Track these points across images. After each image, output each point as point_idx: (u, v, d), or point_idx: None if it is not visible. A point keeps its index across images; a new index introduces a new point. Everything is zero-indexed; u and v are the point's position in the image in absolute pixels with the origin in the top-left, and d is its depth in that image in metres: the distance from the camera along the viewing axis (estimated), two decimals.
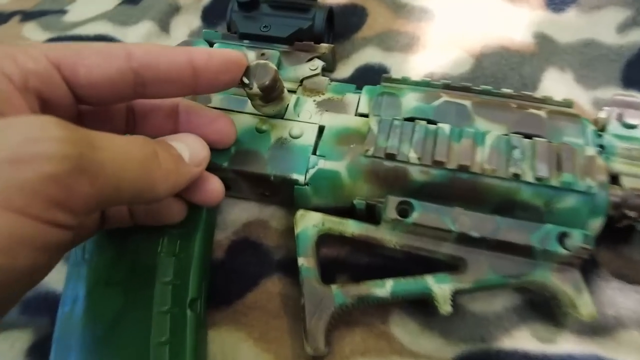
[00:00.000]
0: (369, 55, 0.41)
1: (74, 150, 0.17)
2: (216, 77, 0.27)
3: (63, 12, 0.51)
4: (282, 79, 0.35)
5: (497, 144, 0.30)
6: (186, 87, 0.26)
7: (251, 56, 0.38)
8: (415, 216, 0.29)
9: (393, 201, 0.29)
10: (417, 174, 0.30)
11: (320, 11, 0.39)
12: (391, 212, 0.29)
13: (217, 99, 0.36)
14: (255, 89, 0.30)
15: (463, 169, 0.29)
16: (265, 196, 0.35)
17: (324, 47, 0.38)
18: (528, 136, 0.30)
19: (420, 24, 0.42)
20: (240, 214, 0.36)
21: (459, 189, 0.30)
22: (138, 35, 0.45)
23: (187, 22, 0.46)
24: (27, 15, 0.52)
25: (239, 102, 0.35)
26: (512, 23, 0.41)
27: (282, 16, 0.39)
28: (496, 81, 0.39)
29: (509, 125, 0.31)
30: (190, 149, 0.26)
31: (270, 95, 0.31)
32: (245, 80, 0.30)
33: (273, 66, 0.30)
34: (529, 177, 0.28)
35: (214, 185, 0.28)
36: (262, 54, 0.38)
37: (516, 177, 0.29)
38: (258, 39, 0.39)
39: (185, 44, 0.40)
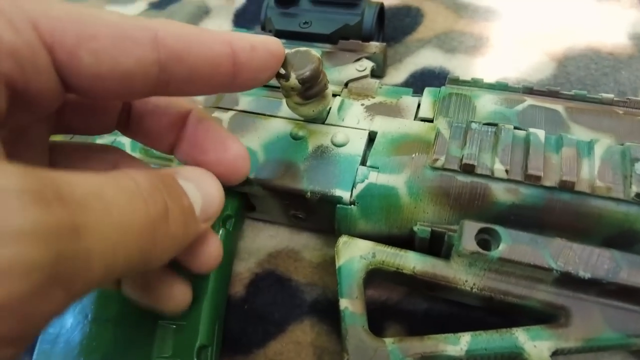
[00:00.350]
0: (427, 58, 0.35)
1: (48, 252, 0.11)
2: (256, 75, 0.20)
3: None
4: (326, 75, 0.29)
5: (611, 156, 0.22)
6: (220, 86, 0.20)
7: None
8: (502, 249, 0.21)
9: (471, 228, 0.22)
10: (502, 193, 0.23)
11: (371, 6, 0.34)
12: (469, 243, 0.22)
13: (245, 100, 0.30)
14: (294, 80, 0.24)
15: (565, 186, 0.22)
16: (299, 219, 0.28)
17: (374, 45, 0.32)
18: None
19: (487, 23, 0.35)
20: (267, 241, 0.30)
21: (560, 214, 0.22)
22: None
23: (217, 26, 0.41)
24: None
25: (271, 104, 0.29)
26: (601, 22, 0.34)
27: (325, 12, 0.34)
28: (585, 88, 0.32)
29: (617, 135, 0.24)
30: (203, 197, 0.19)
31: (311, 91, 0.25)
32: (282, 71, 0.24)
33: (315, 54, 0.24)
34: None
35: (213, 250, 0.21)
36: None
37: None
38: (297, 37, 0.34)
39: None
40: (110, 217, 0.13)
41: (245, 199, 0.28)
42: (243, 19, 0.42)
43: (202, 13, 0.42)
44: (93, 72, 0.16)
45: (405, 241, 0.25)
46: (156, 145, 0.23)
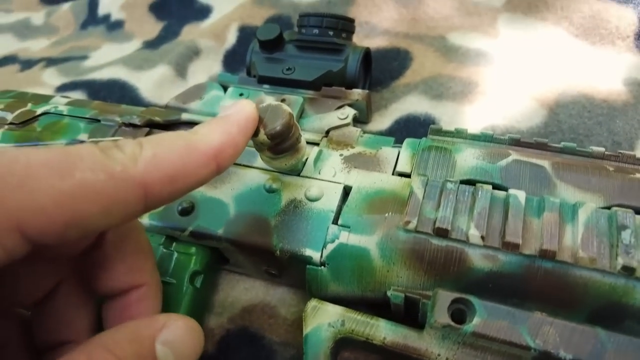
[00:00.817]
0: (412, 104, 0.34)
1: None
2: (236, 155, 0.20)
3: (85, 58, 0.48)
4: (300, 127, 0.28)
5: (596, 221, 0.21)
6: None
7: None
8: (476, 322, 0.20)
9: (444, 298, 0.20)
10: (479, 259, 0.21)
11: (355, 52, 0.33)
12: (441, 315, 0.20)
13: None
14: (263, 136, 0.23)
15: (546, 255, 0.20)
16: (273, 275, 0.27)
17: (357, 93, 0.32)
18: (636, 211, 0.21)
19: (477, 68, 0.34)
20: (241, 294, 0.28)
21: (540, 284, 0.21)
22: (151, 80, 0.40)
23: (207, 67, 0.41)
24: (51, 62, 0.50)
25: (247, 154, 0.28)
26: (595, 67, 0.33)
27: (309, 58, 0.33)
28: (577, 138, 0.30)
29: (607, 195, 0.23)
30: None
31: (282, 145, 0.24)
32: None
33: (287, 109, 0.23)
34: None
35: None
36: (282, 100, 0.32)
37: (628, 271, 0.19)
38: (280, 83, 0.33)
39: (197, 87, 0.35)
40: None
41: (217, 253, 0.27)
42: (232, 60, 0.42)
43: (192, 54, 0.42)
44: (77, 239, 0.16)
45: (379, 305, 0.24)
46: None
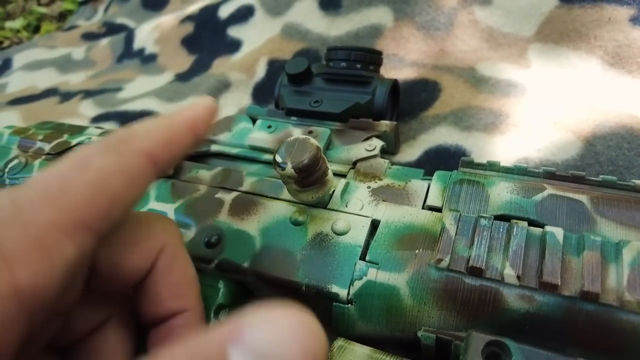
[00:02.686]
0: (442, 135, 0.33)
1: None
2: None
3: (119, 89, 0.50)
4: (327, 160, 0.28)
5: None
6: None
7: (298, 134, 0.32)
8: None
9: (478, 340, 0.19)
10: (515, 300, 0.20)
11: (383, 85, 0.33)
12: (475, 358, 0.19)
13: (249, 181, 0.29)
14: (290, 169, 0.23)
15: (588, 297, 0.19)
16: None
17: (384, 124, 0.31)
18: None
19: (508, 99, 0.34)
20: None
21: (582, 328, 0.19)
22: None
23: (236, 100, 0.42)
24: (88, 94, 0.52)
25: (274, 185, 0.28)
26: (633, 96, 0.31)
27: (337, 90, 0.34)
28: (617, 170, 0.29)
29: None
30: None
31: (309, 179, 0.24)
32: (278, 159, 0.23)
33: (315, 142, 0.23)
34: None
35: None
36: (310, 132, 0.32)
37: None
38: (308, 115, 0.33)
39: (226, 120, 0.36)
40: None
41: (243, 286, 0.27)
42: (261, 93, 0.42)
43: (223, 86, 0.43)
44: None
45: (411, 344, 0.23)
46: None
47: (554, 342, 0.20)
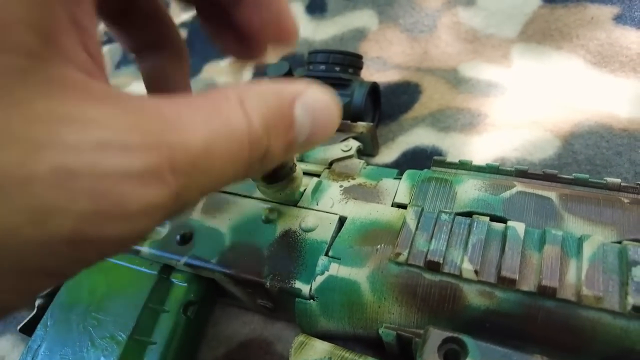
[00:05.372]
0: (419, 137, 0.33)
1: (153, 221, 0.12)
2: None
3: None
4: (304, 159, 0.28)
5: (604, 257, 0.19)
6: None
7: None
8: None
9: (435, 337, 0.19)
10: (475, 296, 0.20)
11: (361, 87, 0.33)
12: (431, 354, 0.19)
13: None
14: None
15: (545, 292, 0.19)
16: (268, 309, 0.26)
17: (362, 126, 0.31)
18: None
19: (487, 99, 0.34)
20: (238, 328, 0.28)
21: (543, 324, 0.19)
22: None
23: None
24: None
25: (247, 185, 0.28)
26: (613, 96, 0.31)
27: None
28: (594, 169, 0.28)
29: (619, 229, 0.21)
30: (312, 129, 0.16)
31: (275, 175, 0.24)
32: None
33: None
34: None
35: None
36: None
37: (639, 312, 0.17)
38: None
39: None
40: (212, 172, 0.13)
41: (215, 284, 0.27)
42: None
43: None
44: None
45: (374, 342, 0.22)
46: None
47: (515, 339, 0.19)
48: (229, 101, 0.14)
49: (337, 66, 0.34)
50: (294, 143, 0.16)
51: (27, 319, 0.28)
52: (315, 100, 0.16)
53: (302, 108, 0.16)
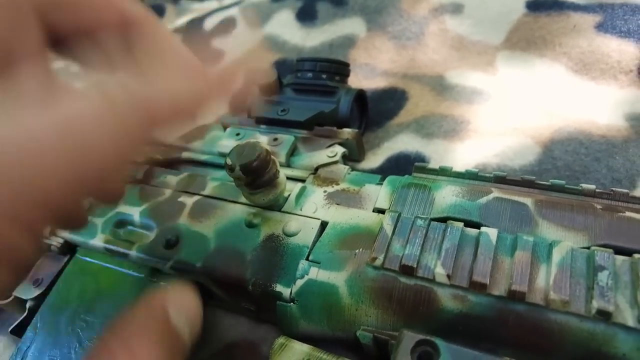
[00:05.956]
0: (404, 143, 0.34)
1: None
2: None
3: None
4: (291, 165, 0.29)
5: (572, 262, 0.20)
6: None
7: (263, 141, 0.33)
8: None
9: (409, 339, 0.20)
10: (448, 300, 0.20)
11: (347, 94, 0.34)
12: (404, 357, 0.19)
13: (211, 185, 0.30)
14: (237, 171, 0.24)
15: (515, 296, 0.19)
16: (251, 312, 0.27)
17: (347, 132, 0.32)
18: (622, 251, 0.20)
19: (471, 106, 0.34)
20: (224, 331, 0.28)
21: (514, 327, 0.20)
22: None
23: (214, 108, 0.43)
24: None
25: (233, 190, 0.29)
26: (595, 103, 0.32)
27: (304, 100, 0.34)
28: (573, 175, 0.29)
29: (591, 235, 0.22)
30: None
31: (258, 181, 0.25)
32: (228, 161, 0.24)
33: (264, 147, 0.24)
34: (629, 319, 0.18)
35: None
36: (275, 139, 0.33)
37: (603, 315, 0.18)
38: (275, 124, 0.34)
39: (200, 128, 0.37)
40: None
41: (202, 287, 0.27)
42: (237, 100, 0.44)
43: None
44: None
45: (353, 344, 0.23)
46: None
47: (488, 342, 0.20)
48: None
49: (324, 74, 0.34)
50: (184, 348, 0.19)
51: (18, 320, 0.29)
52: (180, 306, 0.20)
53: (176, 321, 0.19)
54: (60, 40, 0.19)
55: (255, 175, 0.24)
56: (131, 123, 0.15)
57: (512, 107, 0.33)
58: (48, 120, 0.13)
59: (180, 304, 0.20)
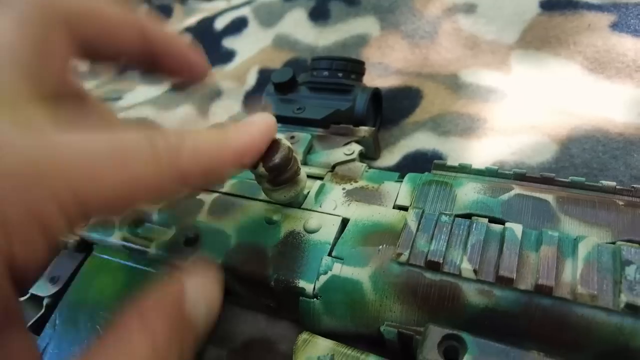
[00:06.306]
0: (420, 141, 0.34)
1: None
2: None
3: (119, 99, 0.52)
4: (307, 163, 0.29)
5: (598, 256, 0.20)
6: None
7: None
8: None
9: (435, 334, 0.20)
10: (474, 295, 0.20)
11: (363, 93, 0.34)
12: (431, 351, 0.19)
13: (230, 183, 0.30)
14: (261, 168, 0.24)
15: (542, 291, 0.19)
16: (271, 309, 0.27)
17: (363, 130, 0.32)
18: None
19: (487, 104, 0.34)
20: (243, 327, 0.28)
21: (540, 322, 0.20)
22: (176, 119, 0.43)
23: (228, 107, 0.43)
24: None
25: (253, 187, 0.29)
26: (611, 101, 0.32)
27: (319, 98, 0.35)
28: (591, 173, 0.29)
29: (614, 230, 0.22)
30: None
31: (280, 178, 0.25)
32: None
33: (286, 143, 0.24)
34: None
35: None
36: (292, 137, 0.33)
37: (632, 309, 0.18)
38: (291, 122, 0.34)
39: (217, 125, 0.37)
40: None
41: None
42: (252, 100, 0.44)
43: (215, 95, 0.44)
44: None
45: (375, 340, 0.23)
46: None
47: (513, 336, 0.20)
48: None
49: (340, 72, 0.34)
50: (196, 336, 0.19)
51: (35, 317, 0.29)
52: (199, 294, 0.19)
53: (193, 308, 0.18)
54: (88, 53, 0.21)
55: (277, 172, 0.24)
56: (164, 179, 0.17)
57: (527, 106, 0.33)
58: (105, 142, 0.15)
59: (197, 295, 0.19)
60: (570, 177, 0.24)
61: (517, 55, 0.37)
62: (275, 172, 0.24)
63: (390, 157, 0.34)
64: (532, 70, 0.35)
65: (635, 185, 0.24)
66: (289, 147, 0.24)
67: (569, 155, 0.30)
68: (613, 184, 0.24)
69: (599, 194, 0.24)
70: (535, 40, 0.37)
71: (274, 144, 0.24)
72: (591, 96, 0.32)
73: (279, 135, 0.33)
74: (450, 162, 0.27)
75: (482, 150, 0.31)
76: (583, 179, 0.24)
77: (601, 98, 0.32)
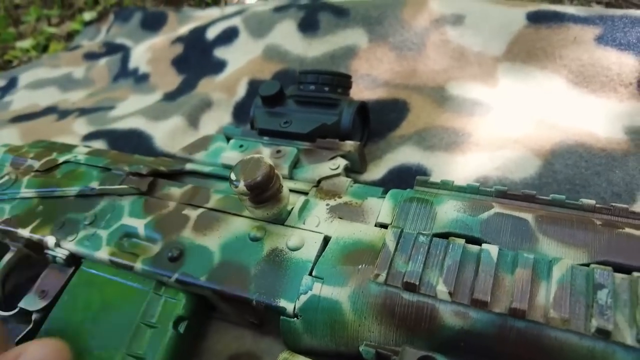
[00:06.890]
0: (405, 155, 0.34)
1: None
2: None
3: (112, 108, 0.52)
4: (292, 178, 0.29)
5: (572, 279, 0.20)
6: None
7: (266, 153, 0.33)
8: None
9: (410, 355, 0.20)
10: (450, 316, 0.21)
11: (349, 106, 0.34)
12: None
13: (215, 198, 0.30)
14: (242, 187, 0.24)
15: (516, 314, 0.20)
16: (254, 324, 0.27)
17: (349, 144, 0.32)
18: (621, 268, 0.20)
19: (472, 118, 0.35)
20: (228, 343, 0.29)
21: (514, 344, 0.20)
22: (166, 129, 0.43)
23: (217, 118, 0.44)
24: (84, 112, 0.54)
25: (238, 203, 0.29)
26: (594, 115, 0.32)
27: (306, 112, 0.35)
28: (573, 189, 0.29)
29: (590, 251, 0.22)
30: None
31: (262, 196, 0.25)
32: (233, 177, 0.25)
33: (268, 162, 0.25)
34: (627, 337, 0.18)
35: None
36: (278, 151, 0.33)
37: (603, 334, 0.18)
38: (278, 135, 0.34)
39: (204, 139, 0.37)
40: None
41: (205, 300, 0.28)
42: (241, 112, 0.44)
43: (205, 105, 0.44)
44: None
45: (356, 359, 0.23)
46: None
47: (488, 358, 0.20)
48: None
49: (326, 86, 0.35)
50: None
51: (24, 332, 0.29)
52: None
53: None
54: None
55: (259, 191, 0.24)
56: None
57: (512, 120, 0.33)
58: None
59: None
60: (551, 195, 0.25)
61: (503, 67, 0.37)
62: (256, 190, 0.24)
63: (376, 170, 0.34)
64: (518, 84, 0.36)
65: (614, 204, 0.24)
66: (270, 166, 0.25)
67: (552, 171, 0.30)
68: (592, 202, 0.24)
69: (578, 213, 0.24)
70: (521, 53, 0.37)
71: (257, 163, 0.25)
72: (575, 110, 0.33)
73: (263, 153, 0.34)
74: (434, 177, 0.27)
75: (466, 165, 0.32)
76: (563, 196, 0.24)
77: (585, 112, 0.32)
